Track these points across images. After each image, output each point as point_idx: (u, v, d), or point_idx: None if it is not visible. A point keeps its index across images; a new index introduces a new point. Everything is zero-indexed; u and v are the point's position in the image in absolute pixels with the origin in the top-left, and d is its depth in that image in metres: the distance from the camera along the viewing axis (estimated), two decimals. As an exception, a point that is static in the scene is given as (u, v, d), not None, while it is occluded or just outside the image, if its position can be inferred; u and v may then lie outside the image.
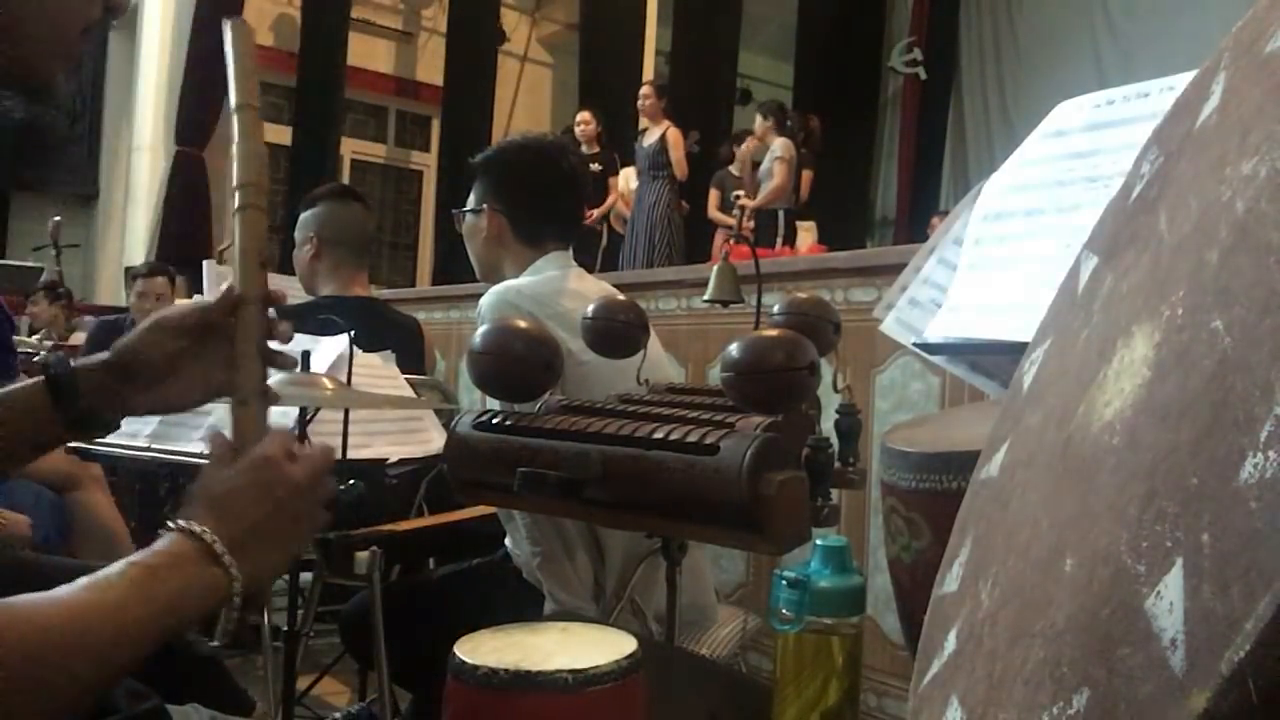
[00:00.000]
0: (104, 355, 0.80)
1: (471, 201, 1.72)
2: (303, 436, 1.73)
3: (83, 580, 0.59)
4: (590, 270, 1.90)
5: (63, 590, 0.58)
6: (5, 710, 0.52)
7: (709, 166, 6.63)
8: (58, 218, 5.49)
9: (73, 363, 0.81)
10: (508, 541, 1.62)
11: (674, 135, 6.08)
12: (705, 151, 6.74)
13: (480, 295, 1.55)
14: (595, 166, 6.17)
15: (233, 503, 0.67)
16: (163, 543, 0.65)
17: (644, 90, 6.38)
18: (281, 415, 1.96)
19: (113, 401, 0.81)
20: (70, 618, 0.57)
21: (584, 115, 6.56)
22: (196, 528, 0.65)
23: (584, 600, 1.44)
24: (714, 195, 6.40)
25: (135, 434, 1.82)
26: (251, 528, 0.67)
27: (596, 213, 6.33)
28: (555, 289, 1.58)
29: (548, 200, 1.68)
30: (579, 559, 1.45)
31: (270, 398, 0.78)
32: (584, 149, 6.11)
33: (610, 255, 6.35)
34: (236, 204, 0.79)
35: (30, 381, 0.81)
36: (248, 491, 0.68)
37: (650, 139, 6.15)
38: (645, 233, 6.03)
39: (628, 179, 6.48)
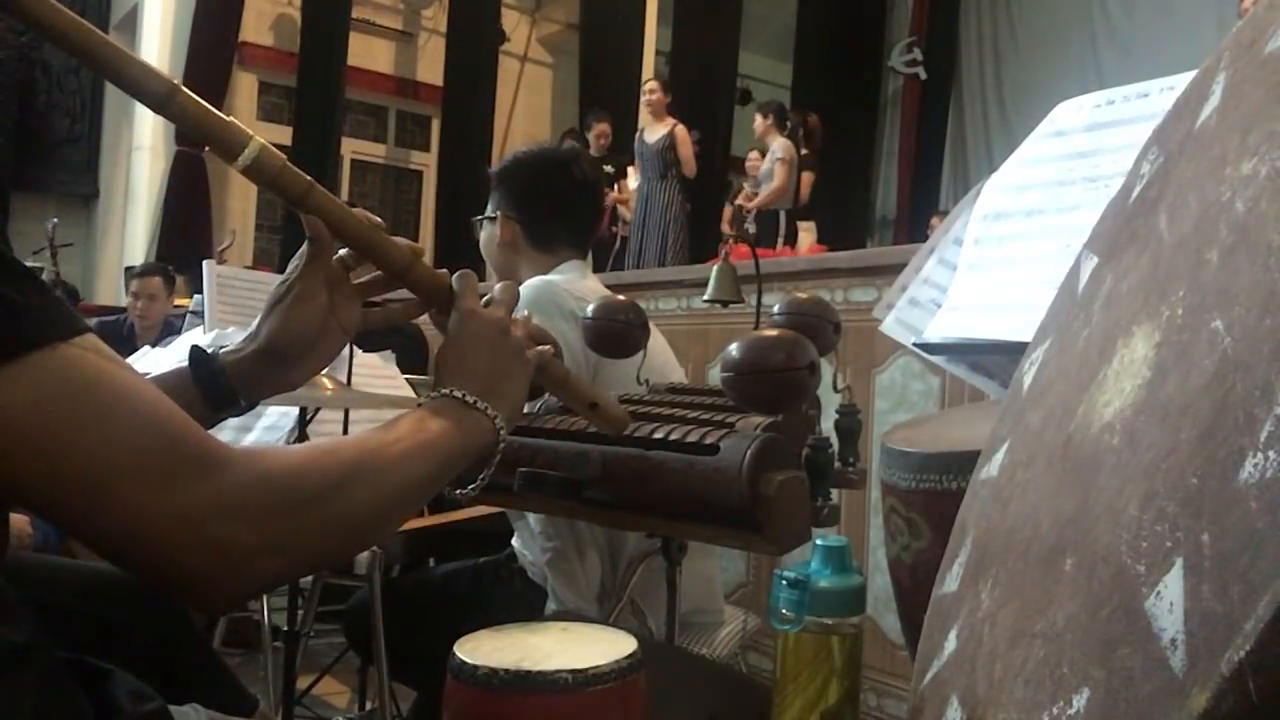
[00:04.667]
0: (256, 344, 0.82)
1: (488, 210, 1.75)
2: (303, 436, 1.73)
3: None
4: (602, 271, 1.91)
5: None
6: (348, 498, 0.63)
7: (709, 167, 6.59)
8: (55, 220, 5.46)
9: (219, 350, 0.83)
10: (515, 541, 1.62)
11: (681, 133, 5.97)
12: (705, 151, 6.70)
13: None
14: (608, 168, 6.10)
15: (463, 361, 0.77)
16: (425, 404, 0.74)
17: (651, 84, 6.27)
18: (281, 415, 1.96)
19: (259, 384, 0.84)
20: (363, 439, 0.68)
21: (603, 128, 6.44)
22: (447, 390, 0.74)
23: (588, 601, 1.44)
24: (728, 212, 6.36)
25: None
26: (488, 375, 0.76)
27: (616, 198, 6.22)
28: (590, 287, 1.61)
29: (560, 207, 1.71)
30: (589, 559, 1.46)
31: (420, 252, 0.83)
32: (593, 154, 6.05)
33: (617, 256, 6.31)
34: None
35: (178, 367, 0.84)
36: (470, 347, 0.77)
37: (655, 137, 6.04)
38: (659, 234, 5.92)
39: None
